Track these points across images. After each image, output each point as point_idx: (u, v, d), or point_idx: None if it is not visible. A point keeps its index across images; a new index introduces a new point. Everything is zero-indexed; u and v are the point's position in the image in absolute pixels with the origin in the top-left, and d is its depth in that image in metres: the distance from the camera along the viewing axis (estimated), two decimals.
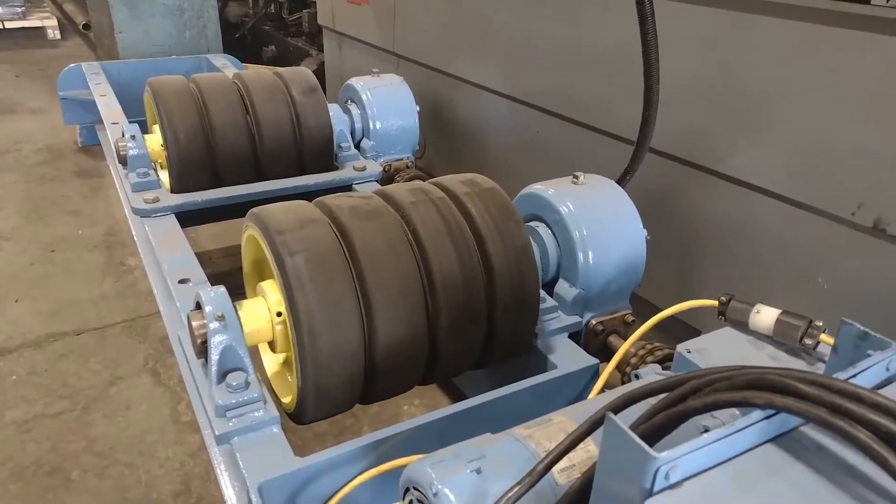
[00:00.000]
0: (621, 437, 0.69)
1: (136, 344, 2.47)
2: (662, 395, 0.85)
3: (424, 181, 1.73)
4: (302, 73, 2.67)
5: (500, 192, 1.65)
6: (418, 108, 2.85)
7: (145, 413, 2.14)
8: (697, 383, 0.82)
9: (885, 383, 0.86)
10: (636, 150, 1.83)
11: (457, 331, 1.49)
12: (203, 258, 2.59)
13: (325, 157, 2.65)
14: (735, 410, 0.98)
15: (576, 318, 1.74)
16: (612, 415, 0.71)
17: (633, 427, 0.79)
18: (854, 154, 1.55)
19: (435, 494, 0.95)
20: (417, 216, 1.51)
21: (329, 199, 1.56)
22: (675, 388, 0.84)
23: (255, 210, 1.52)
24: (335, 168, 2.69)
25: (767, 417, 0.74)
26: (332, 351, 1.35)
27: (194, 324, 1.36)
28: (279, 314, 1.47)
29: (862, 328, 0.91)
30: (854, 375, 0.83)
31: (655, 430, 0.81)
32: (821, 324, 1.20)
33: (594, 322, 1.76)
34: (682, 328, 1.94)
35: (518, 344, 1.65)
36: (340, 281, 1.37)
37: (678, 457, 0.68)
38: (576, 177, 1.78)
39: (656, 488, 0.68)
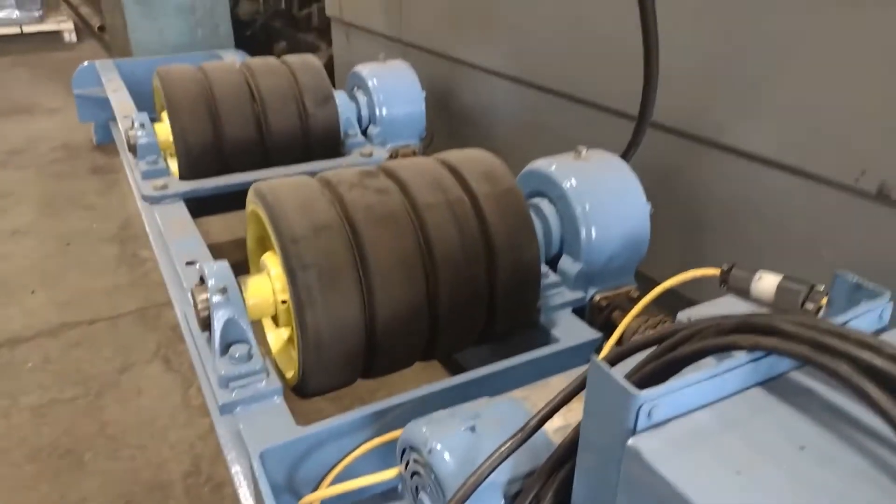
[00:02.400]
0: (604, 378, 0.69)
1: (147, 332, 2.50)
2: (654, 348, 0.85)
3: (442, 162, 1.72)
4: (311, 69, 2.68)
5: (517, 194, 1.63)
6: (424, 93, 2.86)
7: (156, 398, 2.17)
8: (687, 333, 0.82)
9: (878, 332, 0.85)
10: (638, 123, 1.82)
11: (458, 310, 1.52)
12: (214, 250, 2.62)
13: (332, 146, 2.67)
14: None
15: (580, 294, 1.74)
16: (595, 357, 0.71)
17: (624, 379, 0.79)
18: (856, 118, 1.52)
19: (430, 452, 0.96)
20: (432, 222, 1.51)
21: (343, 188, 1.52)
22: (666, 339, 0.84)
23: (260, 188, 1.51)
24: (342, 154, 2.71)
25: (754, 360, 0.74)
26: (337, 358, 1.41)
27: (198, 297, 1.38)
28: (284, 302, 1.48)
29: (855, 279, 0.90)
30: (846, 323, 0.83)
31: (646, 381, 0.80)
32: (822, 288, 1.18)
33: (598, 297, 1.76)
34: (686, 305, 1.92)
35: (520, 322, 1.66)
36: (350, 293, 1.40)
37: (660, 395, 0.68)
38: (578, 151, 1.77)
39: (639, 427, 0.68)
